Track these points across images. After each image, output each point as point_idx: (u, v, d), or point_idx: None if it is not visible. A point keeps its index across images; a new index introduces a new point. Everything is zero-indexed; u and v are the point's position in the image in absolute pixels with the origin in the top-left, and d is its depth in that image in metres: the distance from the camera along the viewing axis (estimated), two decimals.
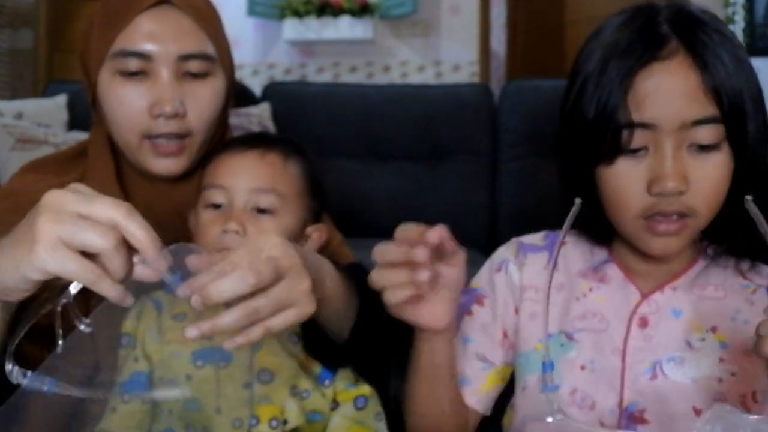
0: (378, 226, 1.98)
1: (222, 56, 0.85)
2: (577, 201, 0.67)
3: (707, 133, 0.65)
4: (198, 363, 0.73)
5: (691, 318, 0.71)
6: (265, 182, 0.77)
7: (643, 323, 0.72)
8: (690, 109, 0.64)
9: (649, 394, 0.69)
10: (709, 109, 0.64)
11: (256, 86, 2.41)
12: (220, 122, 0.87)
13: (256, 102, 2.06)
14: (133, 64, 0.79)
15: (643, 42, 0.66)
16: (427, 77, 3.54)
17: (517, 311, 0.79)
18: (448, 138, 1.97)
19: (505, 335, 0.79)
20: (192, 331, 0.56)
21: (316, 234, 0.84)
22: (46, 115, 1.72)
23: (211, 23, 0.84)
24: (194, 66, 0.81)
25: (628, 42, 0.67)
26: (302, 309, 0.61)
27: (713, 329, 0.70)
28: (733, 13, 3.04)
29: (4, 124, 1.59)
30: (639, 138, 0.66)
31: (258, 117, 1.94)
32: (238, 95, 2.19)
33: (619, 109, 0.65)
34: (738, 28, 3.02)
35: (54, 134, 1.63)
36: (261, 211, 0.77)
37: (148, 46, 0.79)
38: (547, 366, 0.61)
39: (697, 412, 0.66)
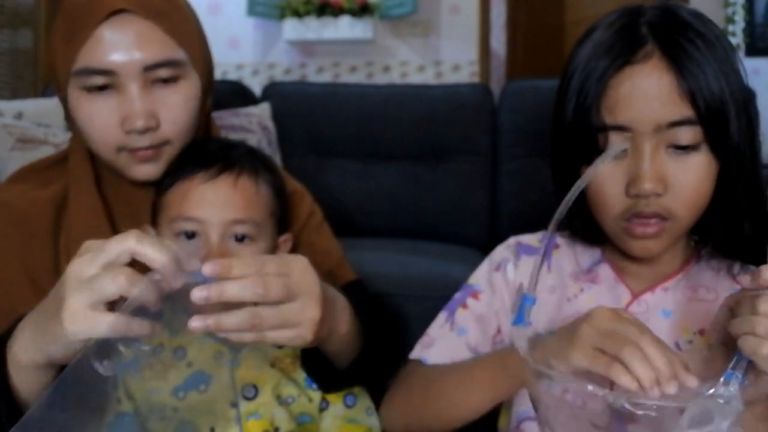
0: (378, 226, 1.99)
1: (194, 59, 0.81)
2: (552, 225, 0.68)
3: (684, 135, 0.65)
4: (180, 395, 0.73)
5: (680, 319, 0.71)
6: (241, 213, 0.75)
7: None
8: (665, 111, 0.64)
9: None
10: (685, 111, 0.64)
11: (256, 86, 2.41)
12: (199, 123, 0.85)
13: (256, 102, 2.06)
14: (98, 81, 0.76)
15: (620, 45, 0.66)
16: (427, 77, 3.54)
17: (513, 310, 0.79)
18: (448, 138, 1.97)
19: (499, 331, 0.80)
20: (197, 322, 0.57)
21: (285, 244, 0.84)
22: (46, 115, 1.71)
23: (177, 25, 0.79)
24: (163, 73, 0.77)
25: (609, 44, 0.67)
26: (301, 335, 0.62)
27: (701, 332, 0.70)
28: (733, 13, 3.04)
29: (4, 124, 1.59)
30: (615, 140, 0.66)
31: (258, 117, 1.94)
32: (237, 95, 2.19)
33: (593, 112, 0.66)
34: (738, 28, 3.02)
35: (54, 134, 1.63)
36: (238, 238, 0.75)
37: (111, 62, 0.75)
38: (528, 299, 0.60)
39: (683, 411, 0.67)
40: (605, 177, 0.67)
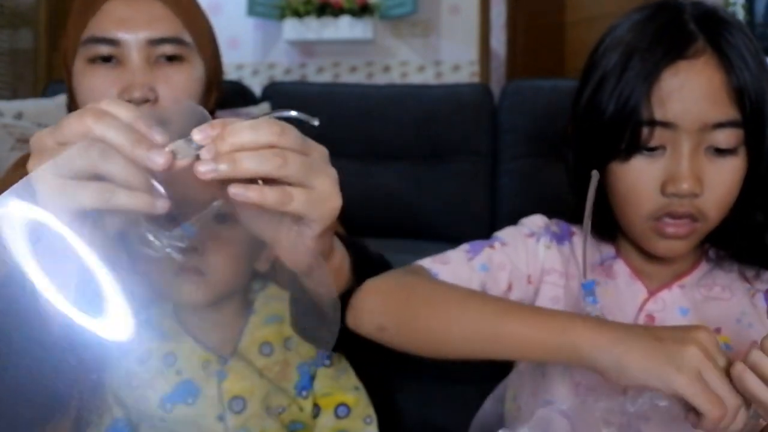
0: (378, 226, 1.98)
1: (200, 45, 0.83)
2: (595, 173, 0.65)
3: (726, 137, 0.64)
4: (167, 407, 0.72)
5: (697, 317, 0.71)
6: None
7: (650, 320, 0.72)
8: (712, 110, 0.63)
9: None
10: (731, 113, 0.63)
11: (256, 86, 2.41)
12: None
13: (256, 102, 2.06)
14: (103, 50, 0.78)
15: (669, 39, 0.65)
16: (427, 77, 3.54)
17: (530, 281, 0.77)
18: (448, 138, 1.96)
19: (510, 288, 0.77)
20: (206, 167, 0.47)
21: None
22: (46, 115, 1.71)
23: (186, 11, 0.82)
24: (167, 49, 0.79)
25: (654, 38, 0.66)
26: (328, 205, 0.56)
27: (717, 330, 0.70)
28: (733, 13, 3.04)
29: (4, 124, 1.58)
30: (658, 137, 0.65)
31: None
32: (237, 95, 2.19)
33: (642, 106, 0.64)
34: None
35: None
36: None
37: (117, 32, 0.78)
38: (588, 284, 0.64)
39: None
40: (639, 174, 0.66)
